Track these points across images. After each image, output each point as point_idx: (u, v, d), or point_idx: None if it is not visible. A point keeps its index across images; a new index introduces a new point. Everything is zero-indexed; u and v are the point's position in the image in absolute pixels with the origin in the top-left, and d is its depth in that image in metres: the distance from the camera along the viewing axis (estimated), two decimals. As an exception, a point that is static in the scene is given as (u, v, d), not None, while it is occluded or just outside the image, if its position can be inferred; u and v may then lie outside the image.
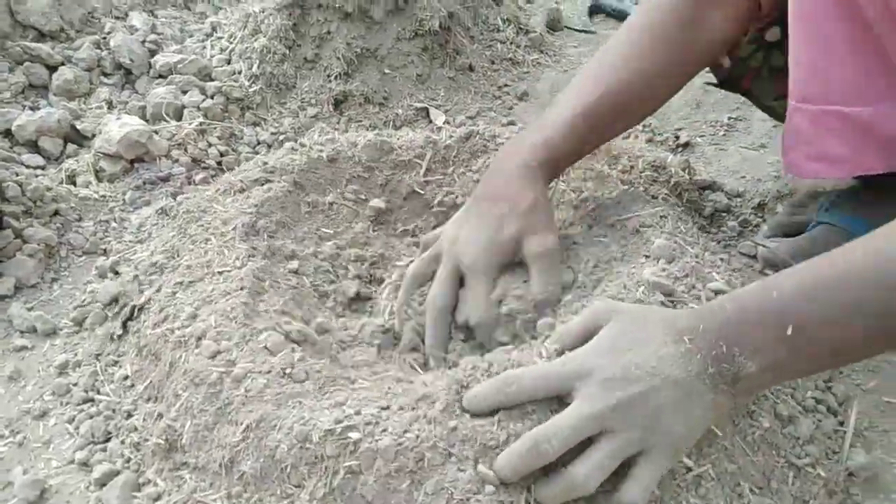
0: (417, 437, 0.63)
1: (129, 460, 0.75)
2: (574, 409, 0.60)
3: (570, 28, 1.79)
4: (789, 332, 0.58)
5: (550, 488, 0.60)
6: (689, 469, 0.67)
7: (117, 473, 0.74)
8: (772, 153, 1.25)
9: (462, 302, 0.82)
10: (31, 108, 1.27)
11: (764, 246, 1.00)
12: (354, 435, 0.63)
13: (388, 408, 0.66)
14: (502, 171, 0.86)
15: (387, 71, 1.37)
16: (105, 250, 1.07)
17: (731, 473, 0.68)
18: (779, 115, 0.98)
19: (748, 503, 0.67)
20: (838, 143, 0.81)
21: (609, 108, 0.87)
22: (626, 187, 0.96)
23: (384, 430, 0.63)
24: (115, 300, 0.92)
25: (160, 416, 0.76)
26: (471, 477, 0.61)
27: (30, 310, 0.96)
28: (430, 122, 1.34)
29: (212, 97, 1.28)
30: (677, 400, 0.60)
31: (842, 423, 0.79)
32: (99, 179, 1.15)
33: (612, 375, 0.60)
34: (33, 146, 1.20)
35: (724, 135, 1.32)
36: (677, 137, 1.30)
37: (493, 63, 1.49)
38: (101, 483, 0.74)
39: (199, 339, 0.76)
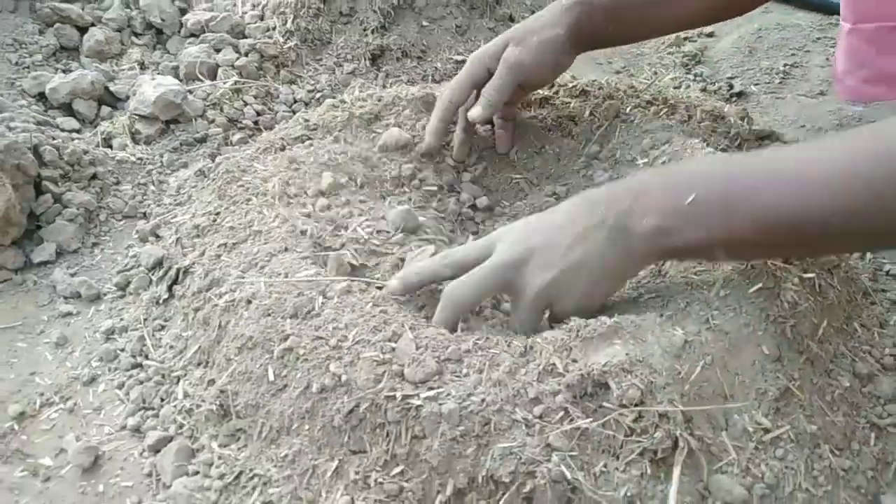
0: (483, 400, 0.60)
1: (181, 426, 0.74)
2: (483, 264, 0.68)
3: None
4: (690, 198, 0.61)
5: None
6: (767, 430, 0.63)
7: (171, 440, 0.73)
8: (831, 101, 1.19)
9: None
10: (64, 71, 1.24)
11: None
12: (416, 401, 0.61)
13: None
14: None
15: (425, 23, 1.32)
16: (145, 213, 1.05)
17: (810, 434, 0.64)
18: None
19: (829, 465, 0.64)
20: None
21: None
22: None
23: (448, 395, 0.61)
24: (158, 264, 0.90)
25: (212, 381, 0.74)
26: (539, 441, 0.58)
27: (73, 275, 0.94)
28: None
29: (246, 55, 1.24)
30: (571, 248, 0.66)
31: (922, 381, 0.75)
32: (135, 142, 1.12)
33: (517, 234, 0.69)
34: (67, 109, 1.18)
35: (780, 83, 1.25)
36: (731, 86, 1.24)
37: (532, 13, 1.43)
38: (155, 449, 0.72)
39: (249, 301, 0.74)
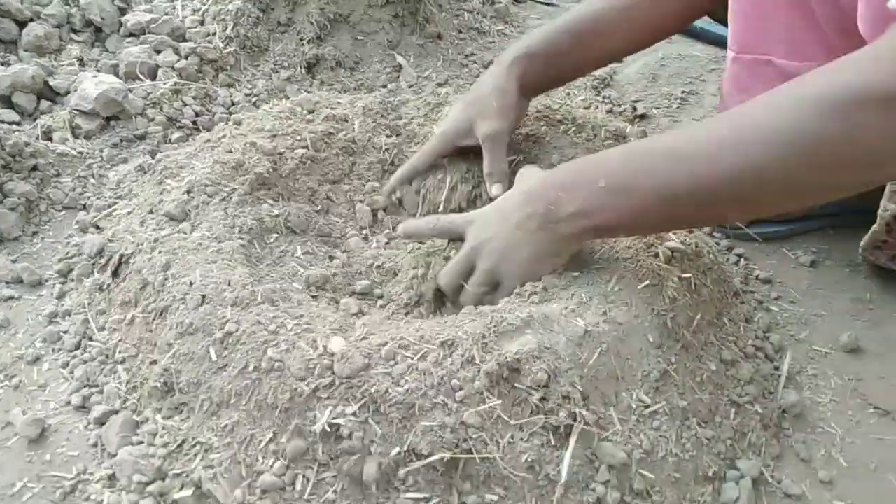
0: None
1: (125, 401, 0.80)
2: (458, 254, 0.83)
3: (533, 0, 1.85)
4: (601, 183, 0.73)
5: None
6: (647, 406, 0.74)
7: (115, 413, 0.79)
8: (721, 125, 1.34)
9: None
10: (2, 64, 1.26)
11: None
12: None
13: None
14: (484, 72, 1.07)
15: (359, 37, 1.41)
16: (85, 205, 1.09)
17: (681, 409, 0.76)
18: None
19: (695, 434, 0.76)
20: None
21: (590, 23, 1.02)
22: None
23: (386, 374, 0.69)
24: (100, 252, 0.95)
25: (154, 362, 0.80)
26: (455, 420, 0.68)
27: (14, 261, 0.98)
28: (399, 82, 1.38)
29: (186, 58, 1.29)
30: (512, 236, 0.79)
31: (777, 368, 0.88)
32: (76, 136, 1.16)
33: (479, 224, 0.83)
34: (6, 101, 1.20)
35: (678, 107, 1.40)
36: (635, 108, 1.37)
37: (460, 32, 1.54)
38: (100, 422, 0.78)
39: (187, 289, 0.81)
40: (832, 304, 0.99)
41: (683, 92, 1.43)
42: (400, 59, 1.41)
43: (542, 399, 0.70)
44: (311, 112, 1.11)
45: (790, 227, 1.09)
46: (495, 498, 0.67)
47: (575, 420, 0.70)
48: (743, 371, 0.84)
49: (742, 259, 1.06)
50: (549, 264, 0.81)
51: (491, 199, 0.96)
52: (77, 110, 1.18)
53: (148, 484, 0.71)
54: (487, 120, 0.97)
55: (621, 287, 0.81)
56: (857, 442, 0.82)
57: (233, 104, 1.29)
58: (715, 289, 0.89)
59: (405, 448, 0.67)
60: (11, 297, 0.94)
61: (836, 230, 1.10)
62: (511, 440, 0.69)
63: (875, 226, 0.91)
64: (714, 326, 0.87)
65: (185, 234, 0.90)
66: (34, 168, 1.08)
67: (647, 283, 0.81)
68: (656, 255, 0.84)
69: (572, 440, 0.70)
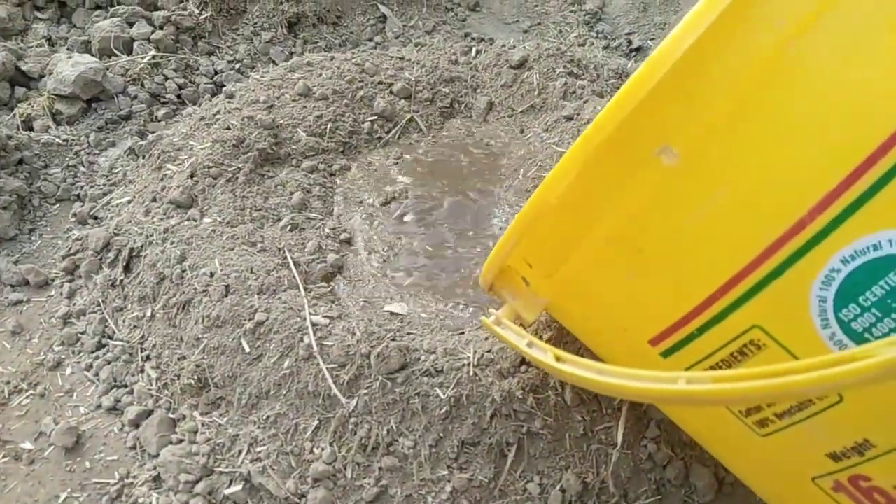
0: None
1: (158, 400, 0.78)
2: None
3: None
4: None
5: None
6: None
7: (150, 413, 0.77)
8: (718, 52, 1.31)
9: None
10: (-33, 51, 1.19)
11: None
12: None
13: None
14: None
15: (339, -12, 1.35)
16: (79, 196, 1.05)
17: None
18: None
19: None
20: None
21: None
22: None
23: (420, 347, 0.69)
24: (107, 247, 0.92)
25: (183, 357, 0.78)
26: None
27: (16, 263, 0.95)
28: (385, 34, 1.33)
29: (161, 28, 1.23)
30: None
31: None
32: (57, 123, 1.11)
33: None
34: (-23, 92, 1.14)
35: (672, 36, 1.36)
36: (630, 42, 1.33)
37: (440, -26, 1.48)
38: (135, 423, 0.77)
39: (209, 280, 0.78)
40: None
41: (676, 19, 1.39)
42: (384, 8, 1.36)
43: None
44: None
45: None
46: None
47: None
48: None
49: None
50: None
51: None
52: (55, 95, 1.12)
53: (195, 483, 0.70)
54: None
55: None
56: None
57: (216, 73, 1.23)
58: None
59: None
60: (20, 301, 0.91)
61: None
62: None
63: None
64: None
65: (196, 221, 0.86)
66: (20, 162, 1.04)
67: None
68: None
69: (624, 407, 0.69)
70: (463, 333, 0.74)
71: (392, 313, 0.77)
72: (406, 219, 0.92)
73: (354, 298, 0.79)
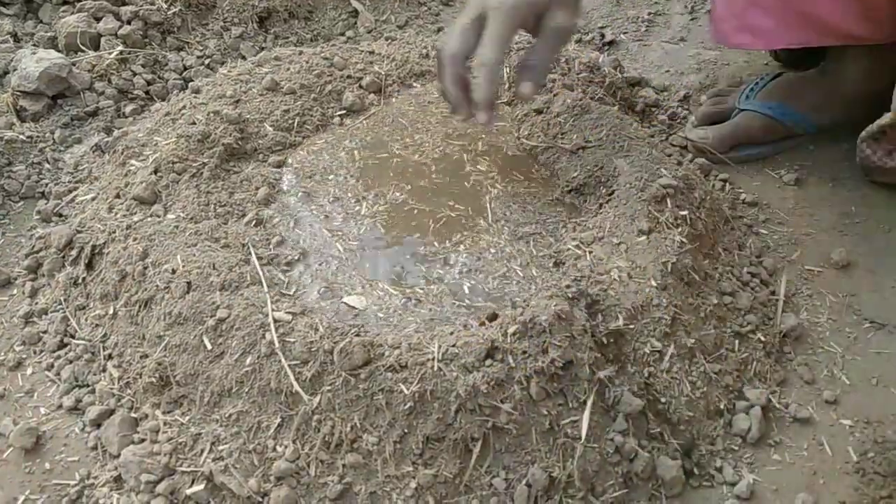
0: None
1: (120, 399, 0.77)
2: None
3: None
4: None
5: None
6: (659, 351, 0.74)
7: (111, 412, 0.76)
8: (691, 46, 1.31)
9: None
10: (-72, 48, 1.17)
11: (690, 140, 1.08)
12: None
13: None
14: None
15: (310, -17, 1.33)
16: (44, 193, 1.03)
17: (688, 347, 0.76)
18: None
19: (703, 371, 0.76)
20: (762, 15, 0.94)
21: None
22: None
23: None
24: (69, 245, 0.90)
25: (145, 356, 0.77)
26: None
27: (-23, 262, 0.93)
28: (357, 28, 1.32)
29: (129, 23, 1.21)
30: None
31: (773, 293, 0.88)
32: (22, 119, 1.09)
33: None
34: (-60, 89, 1.12)
35: (645, 31, 1.36)
36: (602, 36, 1.33)
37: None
38: (97, 423, 0.75)
39: (171, 276, 0.77)
40: (819, 221, 0.99)
41: (650, 13, 1.39)
42: (355, 3, 1.35)
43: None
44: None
45: (762, 149, 1.08)
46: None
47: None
48: (742, 300, 0.84)
49: (727, 184, 1.05)
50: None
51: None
52: (20, 91, 1.10)
53: (157, 483, 0.69)
54: (563, 11, 0.80)
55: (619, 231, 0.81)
56: (857, 358, 0.83)
57: (185, 69, 1.22)
58: (709, 220, 0.88)
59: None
60: (-20, 301, 0.89)
61: (817, 145, 1.09)
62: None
63: (886, 116, 0.92)
64: (711, 258, 0.86)
65: (159, 217, 0.85)
66: (-17, 159, 1.02)
67: (644, 225, 0.81)
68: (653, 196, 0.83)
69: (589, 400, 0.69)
70: (429, 328, 0.73)
71: (350, 307, 0.76)
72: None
73: (319, 293, 0.78)
